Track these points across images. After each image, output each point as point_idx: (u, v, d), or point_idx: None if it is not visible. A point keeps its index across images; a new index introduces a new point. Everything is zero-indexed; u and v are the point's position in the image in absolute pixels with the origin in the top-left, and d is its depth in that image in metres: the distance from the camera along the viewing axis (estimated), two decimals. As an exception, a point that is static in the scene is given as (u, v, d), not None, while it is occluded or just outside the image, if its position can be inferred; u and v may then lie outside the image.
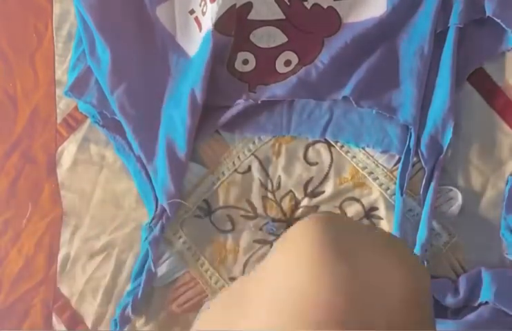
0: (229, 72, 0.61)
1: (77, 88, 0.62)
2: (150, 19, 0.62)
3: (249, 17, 0.60)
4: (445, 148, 0.57)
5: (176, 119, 0.60)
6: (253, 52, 0.61)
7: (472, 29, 0.59)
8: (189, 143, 0.59)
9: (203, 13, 0.60)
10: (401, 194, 0.57)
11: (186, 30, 0.62)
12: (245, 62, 0.61)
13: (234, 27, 0.59)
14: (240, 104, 0.60)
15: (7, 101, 0.65)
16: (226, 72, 0.60)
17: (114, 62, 0.61)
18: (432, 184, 0.57)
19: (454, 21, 0.58)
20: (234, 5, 0.59)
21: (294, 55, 0.60)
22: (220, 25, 0.58)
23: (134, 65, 0.61)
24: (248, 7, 0.60)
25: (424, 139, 0.58)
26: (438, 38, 0.59)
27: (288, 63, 0.60)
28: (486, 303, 0.55)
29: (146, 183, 0.61)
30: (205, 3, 0.59)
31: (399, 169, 0.58)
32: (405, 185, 0.57)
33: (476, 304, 0.55)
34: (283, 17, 0.61)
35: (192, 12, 0.62)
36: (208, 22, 0.58)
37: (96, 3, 0.61)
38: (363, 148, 0.60)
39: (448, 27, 0.58)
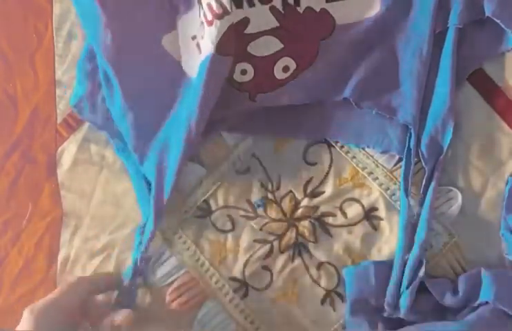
0: (228, 83, 0.60)
1: (82, 106, 0.62)
2: (157, 51, 0.62)
3: (246, 31, 0.60)
4: (445, 148, 0.57)
5: (172, 142, 0.60)
6: (251, 62, 0.60)
7: (471, 30, 0.58)
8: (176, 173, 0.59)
9: (202, 37, 0.59)
10: (406, 196, 0.57)
11: (189, 56, 0.61)
12: (244, 72, 0.60)
13: (233, 45, 0.59)
14: (242, 110, 0.59)
15: (7, 101, 0.65)
16: (226, 84, 0.60)
17: (125, 94, 0.61)
18: (432, 184, 0.57)
19: (453, 21, 0.58)
20: (232, 24, 0.58)
21: (292, 61, 0.60)
22: (221, 47, 0.57)
23: (142, 95, 0.61)
24: (245, 22, 0.60)
25: (424, 139, 0.58)
26: (437, 38, 0.59)
27: (286, 69, 0.60)
28: (487, 303, 0.55)
29: (143, 184, 0.61)
30: (203, 27, 0.59)
31: (402, 172, 0.58)
32: (409, 187, 0.57)
33: (476, 304, 0.55)
34: (278, 25, 0.60)
35: (194, 37, 0.61)
36: (208, 45, 0.58)
37: (111, 43, 0.61)
38: (363, 148, 0.60)
39: (448, 28, 0.58)
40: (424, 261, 0.56)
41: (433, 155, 0.58)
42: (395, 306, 0.56)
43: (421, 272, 0.55)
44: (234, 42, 0.59)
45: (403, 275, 0.56)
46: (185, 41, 0.62)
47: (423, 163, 0.57)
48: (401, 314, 0.56)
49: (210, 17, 0.57)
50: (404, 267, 0.56)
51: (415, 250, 0.56)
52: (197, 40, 0.61)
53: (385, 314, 0.57)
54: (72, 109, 0.63)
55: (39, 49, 0.66)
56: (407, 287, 0.55)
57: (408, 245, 0.57)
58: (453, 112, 0.57)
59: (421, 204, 0.58)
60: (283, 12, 0.60)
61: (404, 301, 0.55)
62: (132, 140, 0.60)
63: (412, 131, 0.57)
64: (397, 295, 0.56)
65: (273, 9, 0.60)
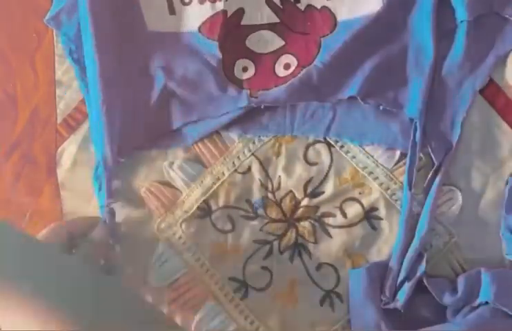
0: (229, 80, 0.60)
1: (58, 19, 0.63)
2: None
3: (242, 22, 0.60)
4: (454, 143, 0.57)
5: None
6: (251, 59, 0.60)
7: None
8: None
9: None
10: (410, 189, 0.57)
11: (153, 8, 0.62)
12: (245, 69, 0.60)
13: (222, 32, 0.59)
14: (242, 108, 0.59)
15: (7, 101, 0.65)
16: (226, 80, 0.60)
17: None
18: (438, 178, 0.57)
19: (462, 17, 0.58)
20: (225, 12, 0.58)
21: (293, 58, 0.60)
22: (205, 27, 0.59)
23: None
24: (240, 13, 0.60)
25: (433, 134, 0.57)
26: (450, 32, 0.59)
27: (287, 66, 0.60)
28: (487, 303, 0.55)
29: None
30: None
31: (407, 165, 0.58)
32: (413, 180, 0.57)
33: (476, 304, 0.55)
34: (278, 20, 0.60)
35: None
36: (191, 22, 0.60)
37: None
38: (363, 148, 0.60)
39: (457, 24, 0.58)
40: (425, 255, 0.56)
41: (442, 149, 0.57)
42: (393, 297, 0.56)
43: (422, 266, 0.55)
44: (223, 29, 0.59)
45: (401, 268, 0.56)
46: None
47: (432, 156, 0.57)
48: (400, 303, 0.55)
49: None
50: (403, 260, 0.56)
51: (416, 241, 0.56)
52: None
53: (382, 304, 0.57)
54: (49, 23, 0.63)
55: (39, 49, 0.66)
56: (406, 279, 0.55)
57: (408, 240, 0.57)
58: (465, 105, 0.58)
59: (422, 204, 0.58)
60: (281, 6, 0.60)
61: (402, 294, 0.55)
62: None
63: (418, 125, 0.57)
64: (395, 287, 0.56)
65: (272, 4, 0.60)
